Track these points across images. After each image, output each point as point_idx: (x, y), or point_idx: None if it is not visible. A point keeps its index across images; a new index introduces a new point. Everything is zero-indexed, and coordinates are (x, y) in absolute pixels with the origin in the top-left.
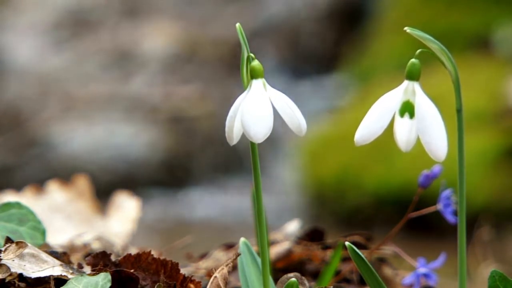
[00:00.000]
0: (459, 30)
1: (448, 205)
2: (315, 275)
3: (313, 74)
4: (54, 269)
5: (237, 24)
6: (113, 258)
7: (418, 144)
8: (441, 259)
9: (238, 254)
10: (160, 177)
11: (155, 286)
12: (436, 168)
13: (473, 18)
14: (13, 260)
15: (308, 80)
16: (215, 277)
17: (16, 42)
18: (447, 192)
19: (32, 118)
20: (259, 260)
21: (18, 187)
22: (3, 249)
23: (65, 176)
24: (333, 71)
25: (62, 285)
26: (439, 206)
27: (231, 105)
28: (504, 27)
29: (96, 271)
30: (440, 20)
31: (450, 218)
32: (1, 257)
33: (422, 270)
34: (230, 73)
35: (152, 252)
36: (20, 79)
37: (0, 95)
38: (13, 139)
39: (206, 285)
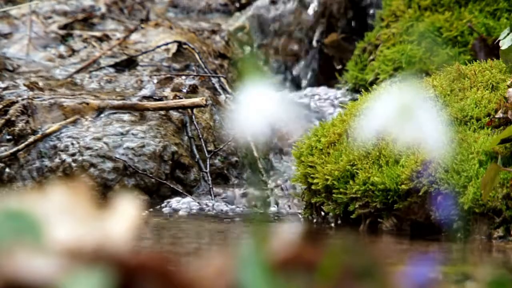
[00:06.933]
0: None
1: (447, 205)
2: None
3: (312, 74)
4: (54, 269)
5: (241, 24)
6: (113, 258)
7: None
8: (437, 259)
9: (239, 254)
10: (162, 176)
11: (156, 287)
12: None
13: (476, 19)
14: (13, 261)
15: (307, 80)
16: (216, 276)
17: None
18: (446, 192)
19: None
20: (259, 260)
21: (18, 187)
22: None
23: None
24: (332, 72)
25: (62, 285)
26: (439, 206)
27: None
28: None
29: (96, 271)
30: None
31: (447, 218)
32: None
33: (422, 270)
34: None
35: (153, 252)
36: (19, 79)
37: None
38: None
39: (206, 284)
